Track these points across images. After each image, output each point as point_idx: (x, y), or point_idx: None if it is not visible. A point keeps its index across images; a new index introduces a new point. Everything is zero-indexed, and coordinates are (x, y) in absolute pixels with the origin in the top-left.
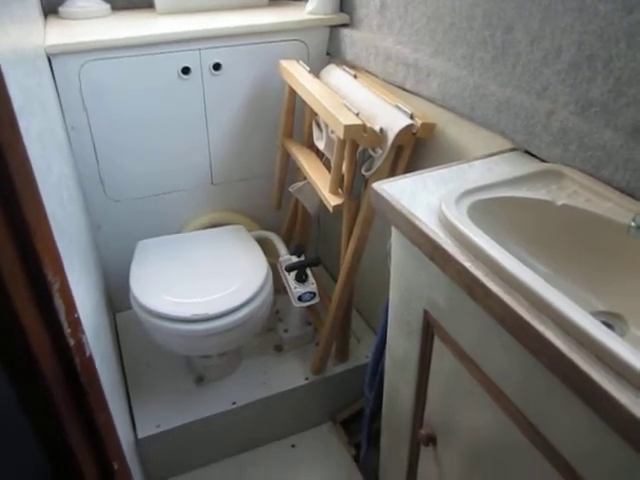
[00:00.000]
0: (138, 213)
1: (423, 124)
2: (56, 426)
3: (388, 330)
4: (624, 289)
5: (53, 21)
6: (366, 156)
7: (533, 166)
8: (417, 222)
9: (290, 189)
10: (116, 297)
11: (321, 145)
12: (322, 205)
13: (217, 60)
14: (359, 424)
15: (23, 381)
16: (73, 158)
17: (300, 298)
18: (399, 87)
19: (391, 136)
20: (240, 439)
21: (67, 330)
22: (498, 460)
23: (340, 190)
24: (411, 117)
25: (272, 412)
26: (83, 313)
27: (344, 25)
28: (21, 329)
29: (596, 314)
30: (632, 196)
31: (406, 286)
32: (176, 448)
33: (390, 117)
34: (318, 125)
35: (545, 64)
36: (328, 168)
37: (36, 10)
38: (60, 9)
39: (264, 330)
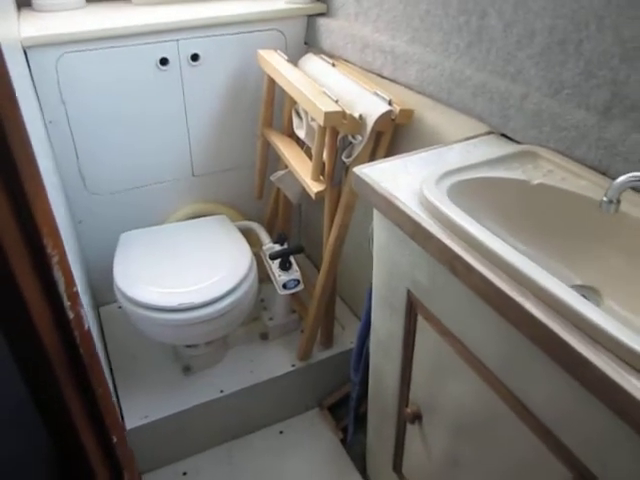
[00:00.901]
0: (119, 206)
1: (401, 110)
2: (57, 399)
3: (372, 313)
4: (599, 263)
5: (27, 13)
6: (346, 143)
7: (509, 148)
8: (398, 203)
9: (271, 178)
10: (99, 291)
11: (301, 134)
12: (304, 193)
13: (195, 51)
14: (346, 408)
15: (25, 355)
16: (53, 152)
17: (285, 286)
18: (377, 74)
19: (370, 122)
20: (228, 427)
21: (67, 303)
22: (482, 432)
23: (322, 177)
24: (389, 103)
25: (259, 399)
26: None
27: (321, 14)
28: (23, 301)
29: (573, 288)
30: (604, 174)
31: (389, 268)
32: (165, 438)
33: (369, 104)
34: (298, 114)
35: (519, 48)
36: (309, 156)
37: (9, 1)
38: (33, 1)
39: (250, 319)
